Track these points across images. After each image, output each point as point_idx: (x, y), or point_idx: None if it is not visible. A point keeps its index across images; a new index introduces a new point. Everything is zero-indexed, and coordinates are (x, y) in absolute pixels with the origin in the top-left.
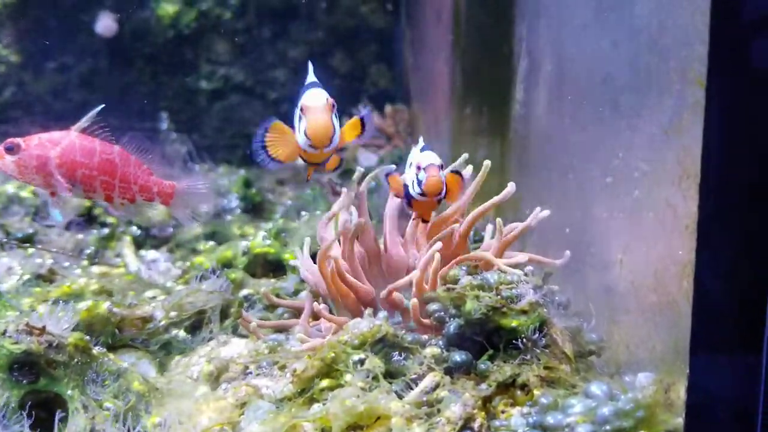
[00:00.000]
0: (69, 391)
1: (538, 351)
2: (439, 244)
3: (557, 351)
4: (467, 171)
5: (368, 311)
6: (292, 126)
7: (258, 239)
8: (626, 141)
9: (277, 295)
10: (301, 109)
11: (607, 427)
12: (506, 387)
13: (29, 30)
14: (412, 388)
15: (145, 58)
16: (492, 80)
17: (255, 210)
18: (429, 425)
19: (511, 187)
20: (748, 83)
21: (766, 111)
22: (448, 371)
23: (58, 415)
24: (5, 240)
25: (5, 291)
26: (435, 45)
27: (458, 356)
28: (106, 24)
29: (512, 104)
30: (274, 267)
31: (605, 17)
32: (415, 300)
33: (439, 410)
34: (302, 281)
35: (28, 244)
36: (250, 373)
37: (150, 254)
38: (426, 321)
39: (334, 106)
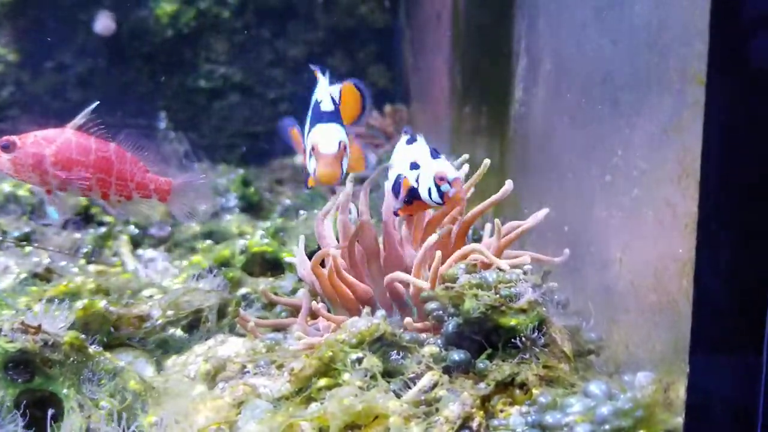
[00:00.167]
0: (64, 390)
1: (537, 350)
2: (434, 237)
3: (556, 350)
4: (463, 170)
5: (366, 310)
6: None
7: (256, 238)
8: (625, 139)
9: (275, 294)
10: (313, 149)
11: (606, 427)
12: (505, 386)
13: (27, 29)
14: (410, 387)
15: (144, 58)
16: (491, 79)
17: (253, 209)
18: (427, 424)
19: (508, 185)
20: (748, 81)
21: (766, 109)
22: (447, 370)
23: (54, 414)
24: (2, 238)
25: (1, 290)
26: (434, 44)
27: (457, 355)
28: (104, 23)
29: (512, 103)
30: (272, 266)
31: (605, 16)
32: (415, 280)
33: (437, 409)
34: (300, 280)
35: (25, 243)
36: (248, 372)
37: (148, 253)
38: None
39: (345, 147)
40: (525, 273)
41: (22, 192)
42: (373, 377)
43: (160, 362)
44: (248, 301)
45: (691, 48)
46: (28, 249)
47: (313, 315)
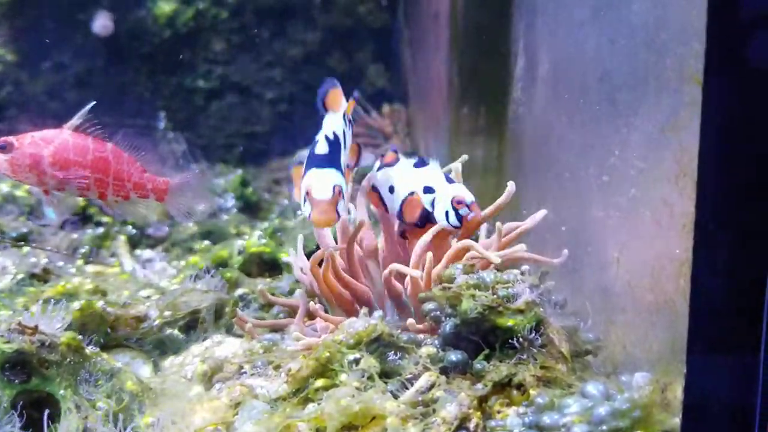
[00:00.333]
0: (61, 391)
1: (534, 350)
2: (428, 236)
3: (554, 350)
4: (455, 169)
5: (364, 310)
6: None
7: (254, 238)
8: (623, 139)
9: (273, 294)
10: (307, 193)
11: (604, 427)
12: (502, 387)
13: (25, 29)
14: (407, 388)
15: (142, 58)
16: (489, 79)
17: (251, 209)
18: (424, 425)
19: (511, 186)
20: (746, 81)
21: (764, 109)
22: (444, 371)
23: (51, 415)
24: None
25: None
26: (433, 44)
27: (454, 356)
28: (102, 23)
29: (510, 103)
30: (270, 266)
31: (602, 15)
32: (415, 274)
33: (434, 410)
34: (298, 281)
35: (22, 243)
36: (245, 372)
37: (145, 253)
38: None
39: (341, 192)
40: (522, 273)
41: (19, 192)
42: (371, 378)
43: (157, 363)
44: (246, 301)
45: (689, 47)
46: (25, 249)
47: (311, 316)
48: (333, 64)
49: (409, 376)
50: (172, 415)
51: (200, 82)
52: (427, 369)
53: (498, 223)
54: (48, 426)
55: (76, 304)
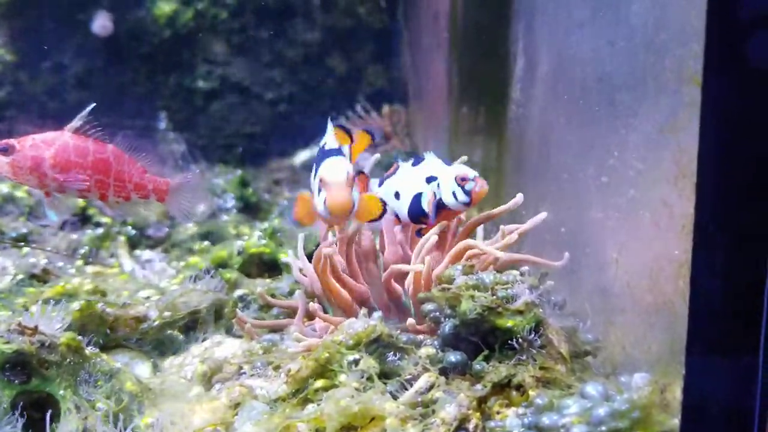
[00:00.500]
0: (61, 392)
1: (533, 351)
2: (434, 237)
3: (553, 351)
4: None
5: (363, 311)
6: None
7: (253, 239)
8: (622, 140)
9: (272, 295)
10: (321, 181)
11: (603, 428)
12: (501, 387)
13: (25, 29)
14: (406, 389)
15: (142, 58)
16: (489, 80)
17: (251, 210)
18: (424, 426)
19: (519, 197)
20: (745, 82)
21: (763, 109)
22: (443, 372)
23: (50, 415)
24: None
25: None
26: (432, 45)
27: (453, 356)
28: (102, 23)
29: (509, 104)
30: (270, 267)
31: (601, 16)
32: (419, 267)
33: (433, 411)
34: (297, 281)
35: (22, 244)
36: (244, 373)
37: (145, 254)
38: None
39: (354, 178)
40: (522, 274)
41: (19, 193)
42: (370, 378)
43: (156, 363)
44: (245, 302)
45: (688, 48)
46: (25, 250)
47: (310, 316)
48: (333, 64)
49: (409, 376)
50: (171, 416)
51: (200, 82)
52: (426, 370)
53: (502, 226)
54: (49, 426)
55: (75, 305)
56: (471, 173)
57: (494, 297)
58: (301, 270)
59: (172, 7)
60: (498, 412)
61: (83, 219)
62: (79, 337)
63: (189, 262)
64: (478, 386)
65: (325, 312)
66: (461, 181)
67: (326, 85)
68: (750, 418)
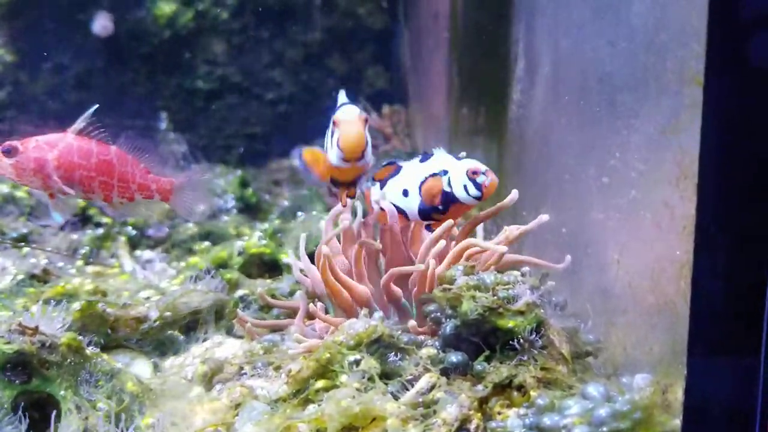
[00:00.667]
0: (62, 392)
1: (534, 352)
2: (443, 242)
3: (554, 352)
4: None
5: (364, 311)
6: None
7: (254, 239)
8: (623, 141)
9: (273, 296)
10: (334, 123)
11: (604, 429)
12: (503, 388)
13: (25, 29)
14: (407, 389)
15: (142, 58)
16: (489, 80)
17: (251, 210)
18: (425, 426)
19: (514, 194)
20: (746, 82)
21: (765, 110)
22: (444, 372)
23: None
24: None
25: None
26: (432, 45)
27: (454, 357)
28: (102, 24)
29: (509, 104)
30: (270, 267)
31: (602, 16)
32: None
33: (435, 411)
34: (298, 282)
35: (22, 244)
36: (245, 373)
37: (145, 254)
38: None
39: (366, 120)
40: (523, 275)
41: (19, 193)
42: (371, 379)
43: (157, 364)
44: (246, 302)
45: (689, 49)
46: (25, 250)
47: (311, 316)
48: (333, 65)
49: (410, 377)
50: (172, 416)
51: (200, 82)
52: (427, 370)
53: (506, 227)
54: (49, 426)
55: (76, 305)
56: (482, 167)
57: (495, 297)
58: (302, 270)
59: (172, 8)
60: (499, 413)
61: (84, 219)
62: (80, 338)
63: (189, 262)
64: (479, 387)
65: (328, 312)
66: (473, 174)
67: (326, 86)
68: (751, 418)
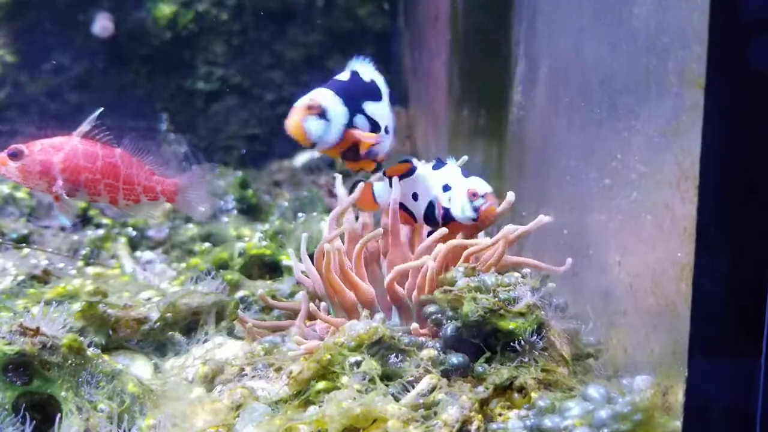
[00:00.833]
0: (63, 393)
1: (535, 353)
2: (435, 236)
3: (555, 354)
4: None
5: (365, 313)
6: None
7: (254, 240)
8: (624, 143)
9: (273, 297)
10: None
11: (605, 430)
12: (503, 390)
13: (25, 30)
14: (408, 391)
15: (142, 60)
16: (490, 82)
17: (251, 211)
18: (425, 428)
19: (510, 196)
20: (747, 84)
21: (765, 112)
22: (445, 374)
23: (52, 416)
24: (0, 240)
25: None
26: (433, 47)
27: (455, 358)
28: (102, 25)
29: (510, 106)
30: (271, 268)
31: (603, 18)
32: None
33: (435, 413)
34: (299, 283)
35: (23, 245)
36: (246, 375)
37: (146, 255)
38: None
39: (320, 107)
40: (524, 276)
41: (20, 194)
42: (372, 380)
43: (158, 365)
44: (246, 303)
45: (690, 51)
46: (26, 251)
47: (312, 318)
48: (333, 66)
49: (411, 378)
50: (173, 417)
51: (200, 84)
52: (428, 372)
53: (504, 227)
54: (51, 428)
55: (76, 306)
56: (482, 189)
57: (496, 299)
58: (303, 271)
59: (172, 9)
60: (500, 414)
61: (84, 220)
62: (81, 339)
63: (189, 263)
64: (480, 388)
65: (328, 313)
66: (472, 196)
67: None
68: (752, 420)
